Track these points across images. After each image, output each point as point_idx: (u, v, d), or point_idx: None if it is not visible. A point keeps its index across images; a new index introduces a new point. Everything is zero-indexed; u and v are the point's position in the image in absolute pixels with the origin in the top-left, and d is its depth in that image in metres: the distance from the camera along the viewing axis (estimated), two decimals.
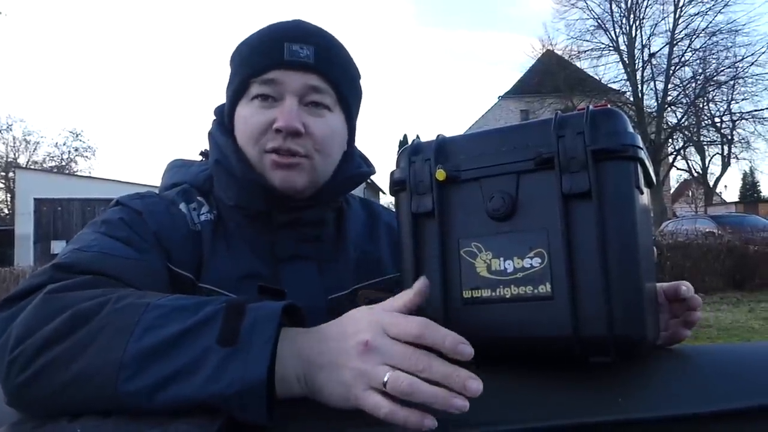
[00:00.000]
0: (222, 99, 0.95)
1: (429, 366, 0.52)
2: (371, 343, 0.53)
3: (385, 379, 0.51)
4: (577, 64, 25.80)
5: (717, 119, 24.75)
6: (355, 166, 0.95)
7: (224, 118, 0.92)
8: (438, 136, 0.67)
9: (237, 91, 0.87)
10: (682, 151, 26.59)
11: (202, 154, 1.00)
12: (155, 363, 0.54)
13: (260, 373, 0.52)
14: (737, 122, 24.42)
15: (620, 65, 24.52)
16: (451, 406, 0.50)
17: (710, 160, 27.35)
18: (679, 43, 23.70)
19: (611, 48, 24.61)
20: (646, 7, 24.23)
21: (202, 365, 0.53)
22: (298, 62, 0.84)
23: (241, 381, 0.52)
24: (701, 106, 24.25)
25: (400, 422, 0.51)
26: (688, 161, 28.44)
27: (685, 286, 0.72)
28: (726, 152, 25.62)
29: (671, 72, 23.61)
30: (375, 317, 0.56)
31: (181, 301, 0.59)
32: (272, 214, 0.87)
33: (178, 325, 0.56)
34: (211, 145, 0.92)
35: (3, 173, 35.07)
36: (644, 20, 24.35)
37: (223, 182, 0.88)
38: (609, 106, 0.61)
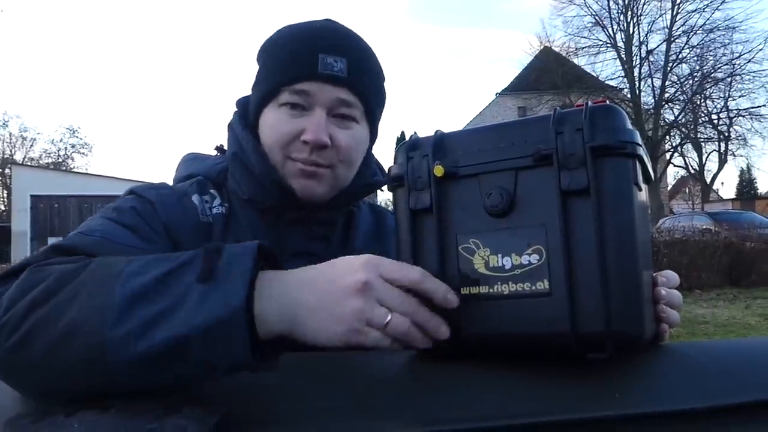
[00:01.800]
0: (242, 91, 0.96)
1: (417, 310, 0.57)
2: (369, 282, 0.56)
3: (388, 320, 0.55)
4: (575, 61, 25.84)
5: (714, 116, 24.83)
6: (371, 174, 0.97)
7: (247, 113, 0.92)
8: (436, 131, 0.67)
9: (266, 94, 0.87)
10: (679, 148, 26.69)
11: (217, 149, 1.01)
12: (140, 305, 0.55)
13: (238, 301, 0.54)
14: (734, 119, 24.52)
15: (618, 62, 24.60)
16: (423, 345, 0.58)
17: (707, 157, 27.42)
18: (677, 40, 23.78)
19: (609, 45, 24.65)
20: (644, 4, 24.29)
21: (184, 302, 0.55)
22: (331, 76, 0.84)
23: (221, 310, 0.53)
24: (698, 103, 24.32)
25: (394, 350, 0.58)
26: (685, 158, 28.53)
27: (665, 277, 0.65)
28: (723, 149, 25.67)
29: (669, 69, 23.66)
30: (370, 260, 0.58)
31: (160, 255, 0.61)
32: (284, 209, 0.87)
33: (159, 270, 0.57)
34: (230, 138, 0.93)
35: None
36: (642, 17, 24.41)
37: (238, 175, 0.89)
38: (607, 102, 0.61)
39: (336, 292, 0.57)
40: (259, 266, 0.58)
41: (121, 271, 0.58)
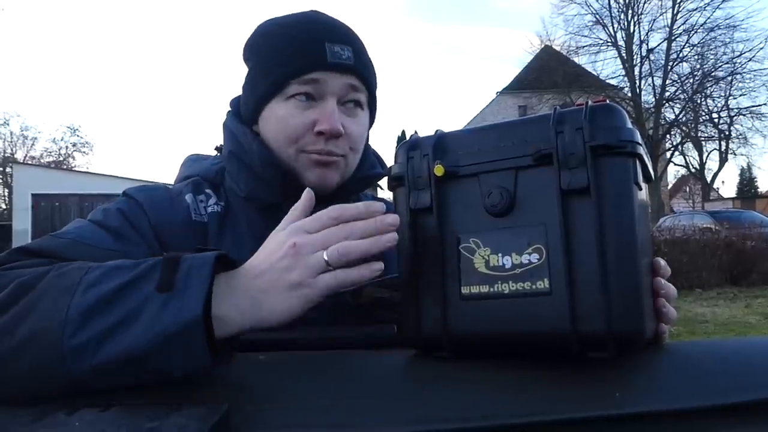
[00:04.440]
0: (235, 91, 0.95)
1: (352, 230, 0.60)
2: (299, 242, 0.60)
3: (325, 257, 0.59)
4: (575, 59, 25.78)
5: (715, 115, 24.79)
6: (369, 165, 0.97)
7: (242, 110, 0.92)
8: (436, 131, 0.66)
9: (270, 89, 0.86)
10: (679, 147, 26.66)
11: (217, 149, 1.00)
12: (98, 316, 0.55)
13: (196, 310, 0.54)
14: (735, 118, 24.49)
15: (618, 61, 24.54)
16: (384, 243, 0.60)
17: (708, 156, 27.42)
18: (678, 39, 23.72)
19: (609, 44, 24.60)
20: (645, 2, 24.24)
21: (143, 312, 0.55)
22: (340, 64, 0.84)
23: (178, 321, 0.54)
24: (699, 101, 24.28)
25: (356, 279, 0.60)
26: (686, 157, 28.52)
27: (660, 264, 0.65)
28: (723, 148, 25.66)
29: (669, 68, 23.62)
30: (289, 227, 0.63)
31: (121, 263, 0.61)
32: (283, 206, 0.87)
33: (118, 280, 0.57)
34: (226, 136, 0.93)
35: (0, 168, 34.98)
36: (642, 16, 24.36)
37: (236, 173, 0.89)
38: (607, 101, 0.61)
39: (277, 266, 0.60)
40: (217, 272, 0.59)
41: (79, 280, 0.58)
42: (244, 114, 0.92)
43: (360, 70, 0.87)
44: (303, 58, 0.84)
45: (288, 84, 0.85)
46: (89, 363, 0.54)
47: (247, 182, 0.87)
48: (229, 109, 0.96)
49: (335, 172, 0.87)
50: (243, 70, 0.94)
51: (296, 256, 0.59)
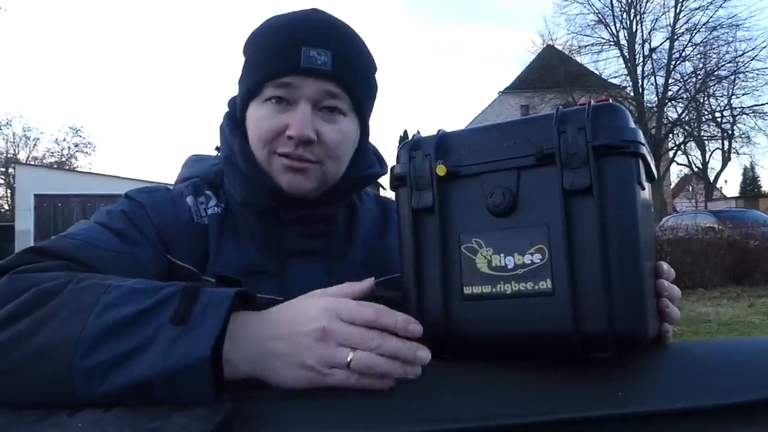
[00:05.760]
0: (233, 90, 0.94)
1: (383, 343, 0.57)
2: (327, 329, 0.57)
3: (350, 359, 0.56)
4: (578, 59, 25.77)
5: (717, 114, 24.77)
6: (366, 165, 0.95)
7: (236, 112, 0.92)
8: (438, 131, 0.66)
9: (250, 90, 0.86)
10: (682, 146, 26.61)
11: (217, 149, 1.00)
12: (112, 340, 0.55)
13: (205, 350, 0.54)
14: (738, 117, 24.44)
15: (621, 60, 24.52)
16: (406, 374, 0.57)
17: (710, 155, 27.37)
18: (680, 38, 23.68)
19: (612, 43, 24.58)
20: (647, 1, 24.20)
21: (155, 342, 0.55)
22: (314, 69, 0.82)
23: (187, 357, 0.54)
24: (702, 101, 24.23)
25: (367, 387, 0.57)
26: (689, 156, 28.47)
27: (664, 267, 0.65)
28: (726, 147, 25.64)
29: (672, 67, 23.57)
30: (327, 304, 0.59)
31: (141, 284, 0.61)
32: (280, 210, 0.87)
33: (135, 306, 0.57)
34: (222, 140, 0.93)
35: (3, 169, 35.08)
36: (645, 15, 24.33)
37: (232, 178, 0.89)
38: (610, 100, 0.60)
39: (298, 340, 0.58)
40: (234, 309, 0.59)
41: (97, 300, 0.58)
42: (237, 112, 0.92)
43: (339, 75, 0.84)
44: (278, 61, 0.83)
45: (264, 86, 0.84)
46: (96, 390, 0.54)
47: (242, 187, 0.87)
48: (227, 109, 0.95)
49: (308, 178, 0.84)
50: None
51: (321, 341, 0.57)
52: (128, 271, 0.73)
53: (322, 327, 0.57)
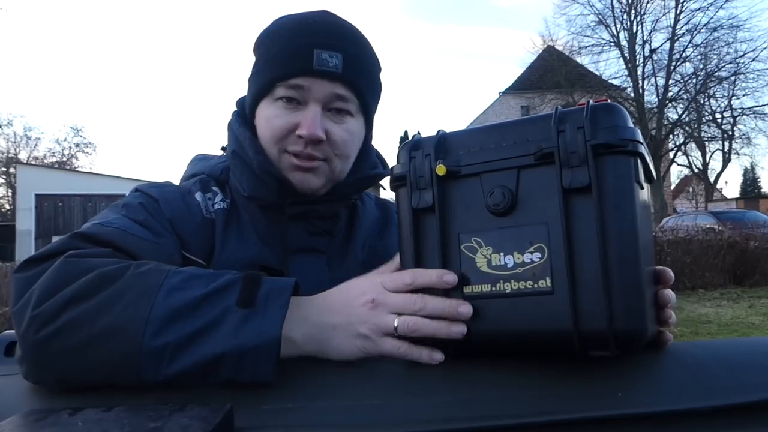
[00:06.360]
0: (241, 90, 0.96)
1: (425, 304, 0.61)
2: (377, 300, 0.64)
3: (396, 324, 0.62)
4: (578, 59, 25.79)
5: (718, 115, 24.78)
6: (370, 166, 0.97)
7: (245, 110, 0.94)
8: (438, 131, 0.67)
9: (261, 89, 0.88)
10: (682, 147, 26.65)
11: (223, 149, 1.02)
12: (180, 321, 0.59)
13: (275, 331, 0.59)
14: (738, 118, 24.47)
15: (621, 61, 24.56)
16: (451, 333, 0.60)
17: (711, 156, 27.42)
18: (680, 39, 23.69)
19: (612, 44, 24.60)
20: (648, 2, 24.22)
21: (223, 323, 0.59)
22: (326, 71, 0.84)
23: (258, 337, 0.58)
24: (702, 101, 24.25)
25: (416, 358, 0.62)
26: (689, 157, 28.52)
27: (668, 275, 0.66)
28: (727, 148, 25.68)
29: (672, 68, 23.58)
30: (373, 279, 0.66)
31: (198, 271, 0.65)
32: (285, 205, 0.88)
33: (199, 289, 0.61)
34: (230, 136, 0.94)
35: (4, 169, 35.11)
36: (645, 16, 24.36)
37: (239, 173, 0.90)
38: (609, 101, 0.61)
39: (352, 311, 0.64)
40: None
41: (161, 284, 0.61)
42: (247, 109, 0.93)
43: (348, 78, 0.86)
44: (291, 63, 0.85)
45: (276, 86, 0.86)
46: (163, 370, 0.57)
47: (249, 182, 0.89)
48: (235, 109, 0.97)
49: (317, 176, 0.87)
50: (246, 71, 0.95)
51: (372, 311, 0.64)
52: (162, 259, 0.74)
53: (372, 298, 0.64)
